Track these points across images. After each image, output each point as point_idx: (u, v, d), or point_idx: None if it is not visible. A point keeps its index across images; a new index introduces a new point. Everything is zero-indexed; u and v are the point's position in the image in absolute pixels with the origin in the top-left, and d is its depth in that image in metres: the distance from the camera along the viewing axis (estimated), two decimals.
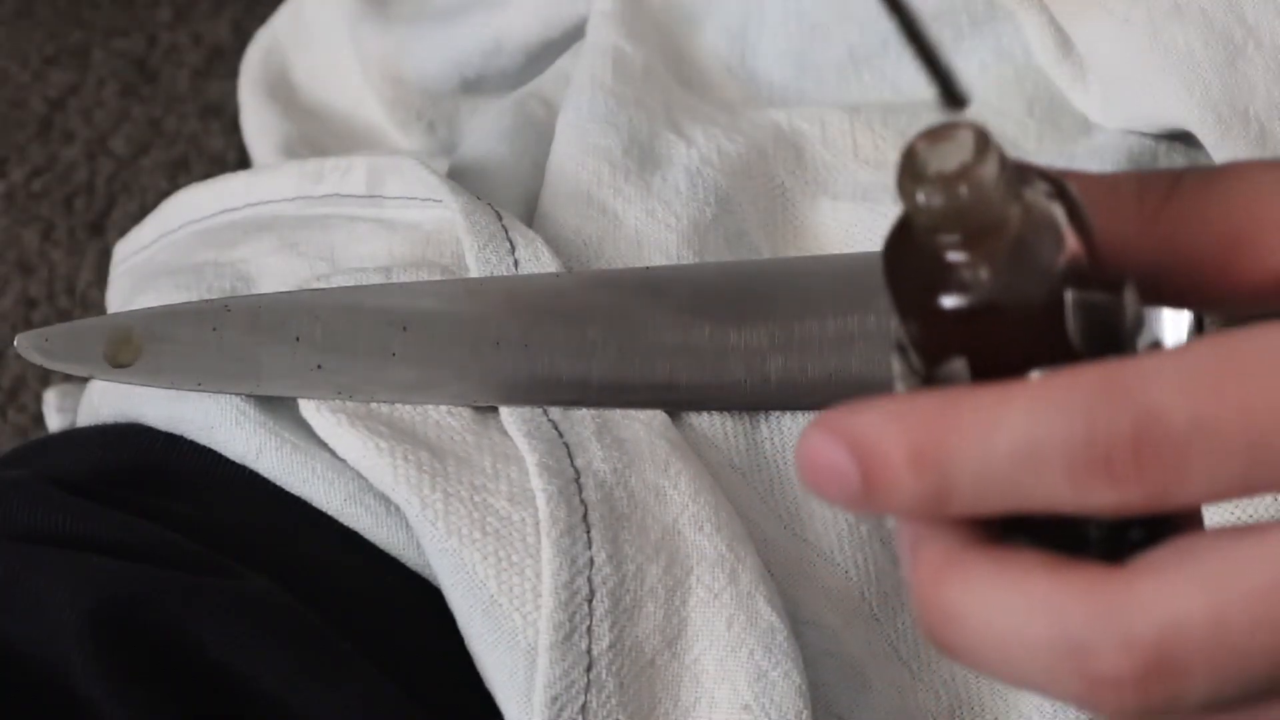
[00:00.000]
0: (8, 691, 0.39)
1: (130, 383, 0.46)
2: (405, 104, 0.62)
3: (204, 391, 0.46)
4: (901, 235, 0.28)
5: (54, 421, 0.61)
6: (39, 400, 0.84)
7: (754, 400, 0.46)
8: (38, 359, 0.47)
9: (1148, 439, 0.26)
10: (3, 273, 0.94)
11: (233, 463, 0.46)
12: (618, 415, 0.45)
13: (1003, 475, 0.26)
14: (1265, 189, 0.29)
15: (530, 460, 0.43)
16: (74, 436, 0.51)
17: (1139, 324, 0.28)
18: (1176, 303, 0.30)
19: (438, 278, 0.47)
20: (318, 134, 0.65)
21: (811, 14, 0.53)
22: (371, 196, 0.51)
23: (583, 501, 0.42)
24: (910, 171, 0.27)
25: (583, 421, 0.44)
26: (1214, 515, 0.42)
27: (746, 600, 0.42)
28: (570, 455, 0.43)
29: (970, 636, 0.27)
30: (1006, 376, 0.27)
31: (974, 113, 0.52)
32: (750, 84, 0.54)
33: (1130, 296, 0.28)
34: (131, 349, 0.46)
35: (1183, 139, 0.48)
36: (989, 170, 0.27)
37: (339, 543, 0.45)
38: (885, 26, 0.52)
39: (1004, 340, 0.27)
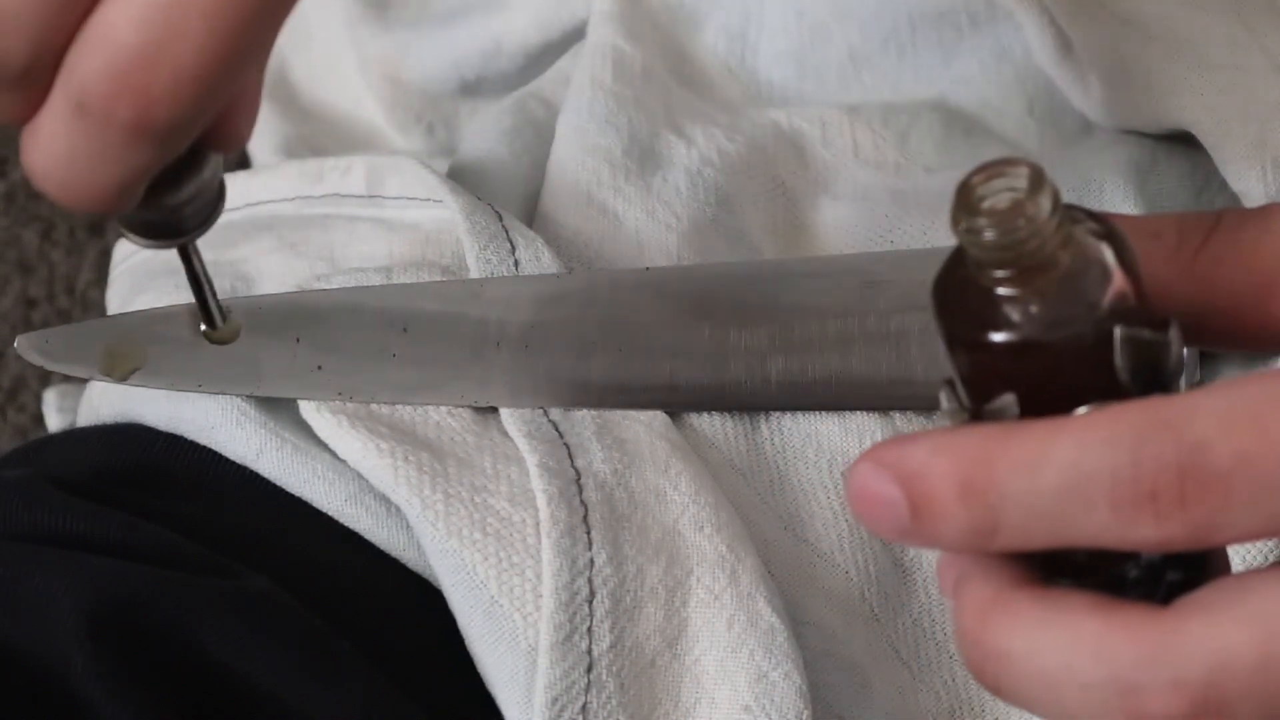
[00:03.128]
0: (8, 691, 0.39)
1: (130, 384, 0.46)
2: (404, 106, 0.62)
3: (204, 392, 0.46)
4: (953, 269, 0.29)
5: (54, 421, 0.61)
6: (39, 400, 0.84)
7: (754, 401, 0.46)
8: (38, 360, 0.47)
9: (1192, 473, 0.26)
10: (3, 273, 0.94)
11: (233, 463, 0.46)
12: (618, 416, 0.45)
13: (1049, 509, 0.27)
14: None
15: (531, 461, 0.43)
16: (74, 436, 0.51)
17: (1182, 363, 0.29)
18: (1214, 345, 0.31)
19: (438, 278, 0.47)
20: (317, 135, 0.65)
21: (811, 14, 0.53)
22: (371, 196, 0.51)
23: (583, 502, 0.42)
24: (965, 206, 0.28)
25: (583, 422, 0.44)
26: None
27: (747, 601, 0.42)
28: (571, 456, 0.43)
29: (1019, 676, 0.28)
30: (1055, 413, 0.27)
31: (974, 113, 0.52)
32: (750, 84, 0.54)
33: (1175, 335, 0.28)
34: (125, 366, 0.46)
35: (1182, 139, 0.48)
36: (1042, 207, 0.27)
37: (339, 543, 0.45)
38: (885, 26, 0.53)
39: (1052, 376, 0.28)
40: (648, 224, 0.49)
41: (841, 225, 0.49)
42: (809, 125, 0.52)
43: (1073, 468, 0.26)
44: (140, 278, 0.53)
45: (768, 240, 0.50)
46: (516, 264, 0.47)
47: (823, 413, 0.46)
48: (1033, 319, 0.28)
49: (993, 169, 0.28)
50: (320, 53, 0.67)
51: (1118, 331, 0.28)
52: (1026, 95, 0.51)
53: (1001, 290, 0.28)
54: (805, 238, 0.50)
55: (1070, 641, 0.27)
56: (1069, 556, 0.29)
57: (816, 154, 0.51)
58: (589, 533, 0.42)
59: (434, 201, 0.50)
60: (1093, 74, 0.48)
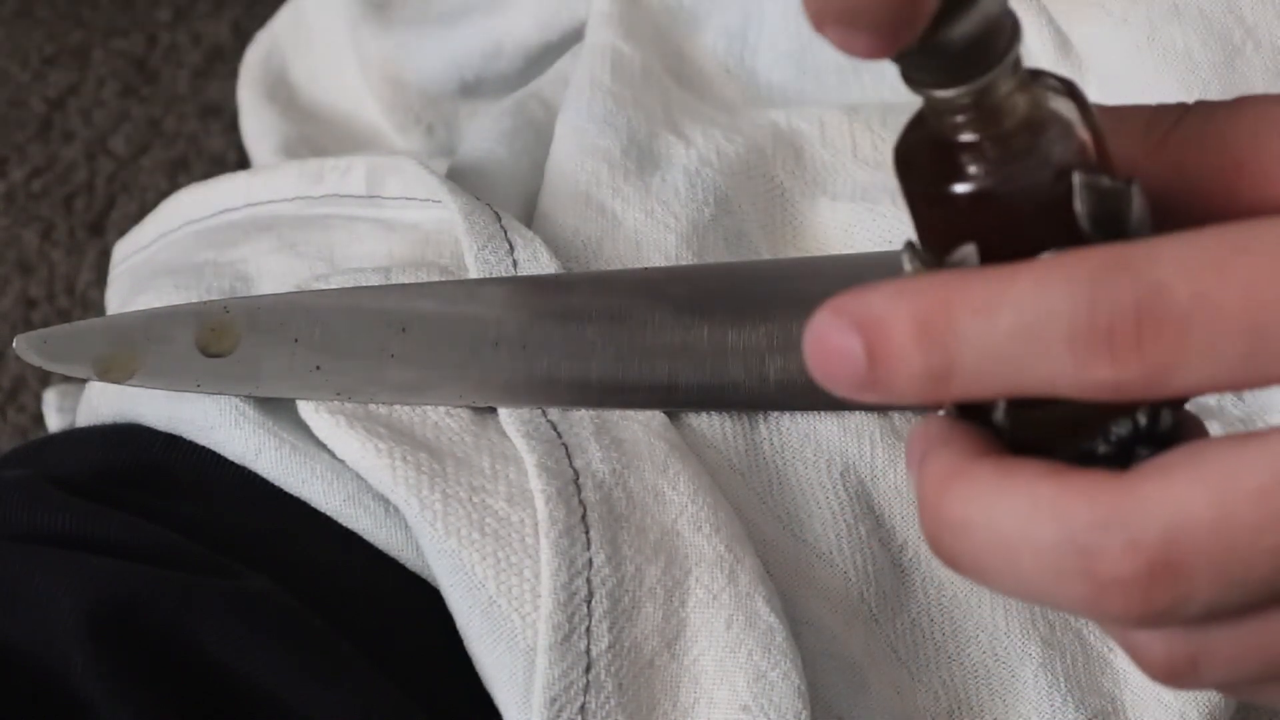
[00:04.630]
0: (8, 691, 0.39)
1: (129, 384, 0.47)
2: (404, 106, 0.62)
3: (202, 393, 0.46)
4: (914, 130, 0.29)
5: (54, 421, 0.61)
6: (39, 400, 0.84)
7: (753, 401, 0.46)
8: (37, 360, 0.47)
9: (1149, 314, 0.26)
10: (3, 273, 0.94)
11: (232, 463, 0.46)
12: (616, 416, 0.45)
13: (1006, 350, 0.26)
14: (1270, 120, 0.29)
15: (529, 461, 0.43)
16: (74, 436, 0.51)
17: (1147, 221, 0.28)
18: (1179, 228, 0.30)
19: (437, 278, 0.48)
20: (317, 135, 0.65)
21: None
22: (371, 197, 0.51)
23: (581, 502, 0.42)
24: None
25: (581, 422, 0.44)
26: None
27: (745, 601, 0.42)
28: (569, 456, 0.43)
29: (975, 544, 0.28)
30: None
31: None
32: (749, 84, 0.54)
33: (1138, 190, 0.28)
34: (123, 366, 0.46)
35: None
36: None
37: (338, 543, 0.45)
38: None
39: (1013, 226, 0.28)
40: (646, 224, 0.49)
41: (841, 225, 0.49)
42: (808, 125, 0.52)
43: (1029, 308, 0.26)
44: (140, 278, 0.53)
45: (767, 240, 0.50)
46: (515, 264, 0.47)
47: (821, 413, 0.46)
48: (991, 167, 0.27)
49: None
50: (320, 53, 0.67)
51: (1077, 177, 0.27)
52: None
53: (960, 138, 0.28)
54: (804, 238, 0.50)
55: (1026, 506, 0.27)
56: (1038, 432, 0.28)
57: (815, 154, 0.51)
58: (587, 533, 0.42)
59: (433, 202, 0.50)
60: (1091, 74, 0.48)
